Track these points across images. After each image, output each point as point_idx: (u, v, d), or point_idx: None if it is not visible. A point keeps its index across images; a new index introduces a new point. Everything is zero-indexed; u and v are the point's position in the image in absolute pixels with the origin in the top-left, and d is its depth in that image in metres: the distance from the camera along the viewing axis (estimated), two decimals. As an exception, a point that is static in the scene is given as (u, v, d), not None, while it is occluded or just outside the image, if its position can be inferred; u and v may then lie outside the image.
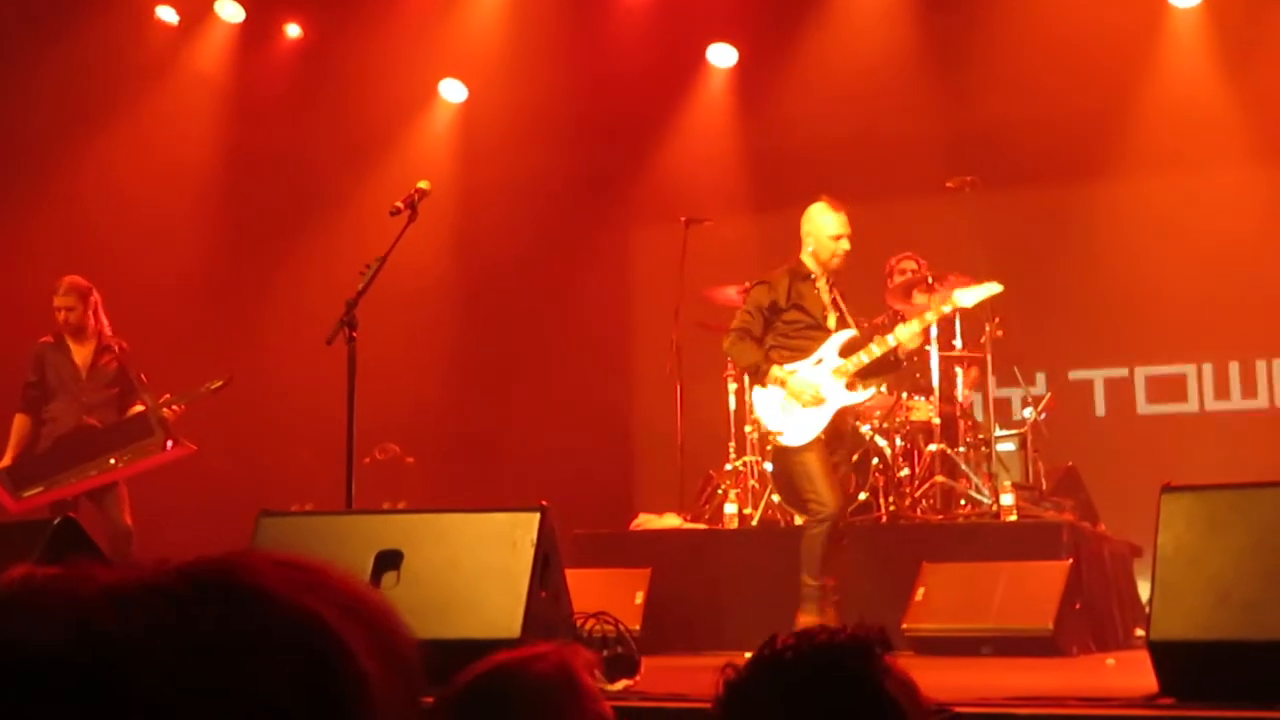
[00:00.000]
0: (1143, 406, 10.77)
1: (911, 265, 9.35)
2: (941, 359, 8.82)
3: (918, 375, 8.82)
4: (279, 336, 10.57)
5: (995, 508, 8.34)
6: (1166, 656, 4.17)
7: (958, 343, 9.07)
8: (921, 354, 8.54)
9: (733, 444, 9.16)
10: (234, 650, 0.92)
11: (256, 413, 10.65)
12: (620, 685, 4.95)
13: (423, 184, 6.59)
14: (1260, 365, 10.63)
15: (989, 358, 8.94)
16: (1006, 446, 9.23)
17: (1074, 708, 4.23)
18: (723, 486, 9.16)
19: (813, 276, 7.40)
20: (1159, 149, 10.53)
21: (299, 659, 0.95)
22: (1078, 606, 7.58)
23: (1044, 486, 9.14)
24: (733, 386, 9.24)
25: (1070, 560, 7.65)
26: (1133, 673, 4.64)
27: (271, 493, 9.37)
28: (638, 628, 7.62)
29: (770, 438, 7.54)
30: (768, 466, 8.72)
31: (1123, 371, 10.95)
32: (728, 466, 9.16)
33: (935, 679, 5.95)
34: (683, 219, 9.73)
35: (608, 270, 12.00)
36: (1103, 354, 10.83)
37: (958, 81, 10.76)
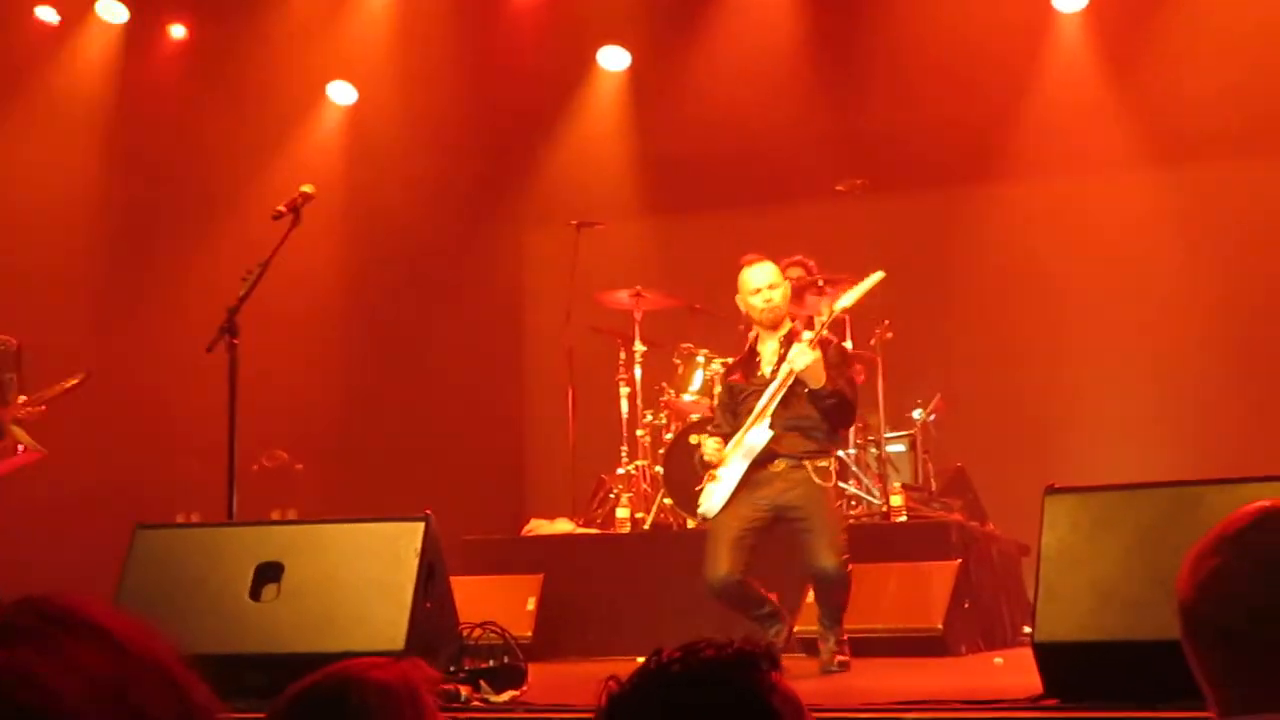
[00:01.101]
0: (1030, 407, 10.86)
1: (797, 272, 9.32)
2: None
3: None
4: (161, 343, 10.35)
5: (885, 508, 8.37)
6: (1051, 657, 4.17)
7: (848, 344, 9.07)
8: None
9: (625, 448, 9.11)
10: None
11: (141, 422, 10.44)
12: (506, 696, 4.87)
13: (306, 188, 6.47)
14: (1146, 365, 10.76)
15: (879, 359, 8.97)
16: (896, 448, 9.27)
17: (960, 711, 4.21)
18: (615, 490, 9.11)
19: (754, 344, 6.91)
20: (1047, 151, 10.63)
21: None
22: (967, 605, 7.62)
23: (933, 487, 9.19)
24: (625, 390, 9.20)
25: (959, 560, 7.69)
26: (1021, 671, 4.64)
27: (155, 504, 9.18)
28: (530, 635, 7.55)
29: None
30: (659, 470, 8.69)
31: (1011, 372, 11.04)
32: (620, 470, 9.11)
33: (825, 681, 5.95)
34: (574, 222, 9.67)
35: (499, 274, 11.91)
36: (992, 355, 10.90)
37: (848, 85, 10.79)
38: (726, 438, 6.77)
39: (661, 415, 8.97)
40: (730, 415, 6.86)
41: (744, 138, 10.96)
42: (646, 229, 11.51)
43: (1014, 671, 5.61)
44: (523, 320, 12.08)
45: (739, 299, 6.84)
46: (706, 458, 6.73)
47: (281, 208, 6.39)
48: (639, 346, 9.13)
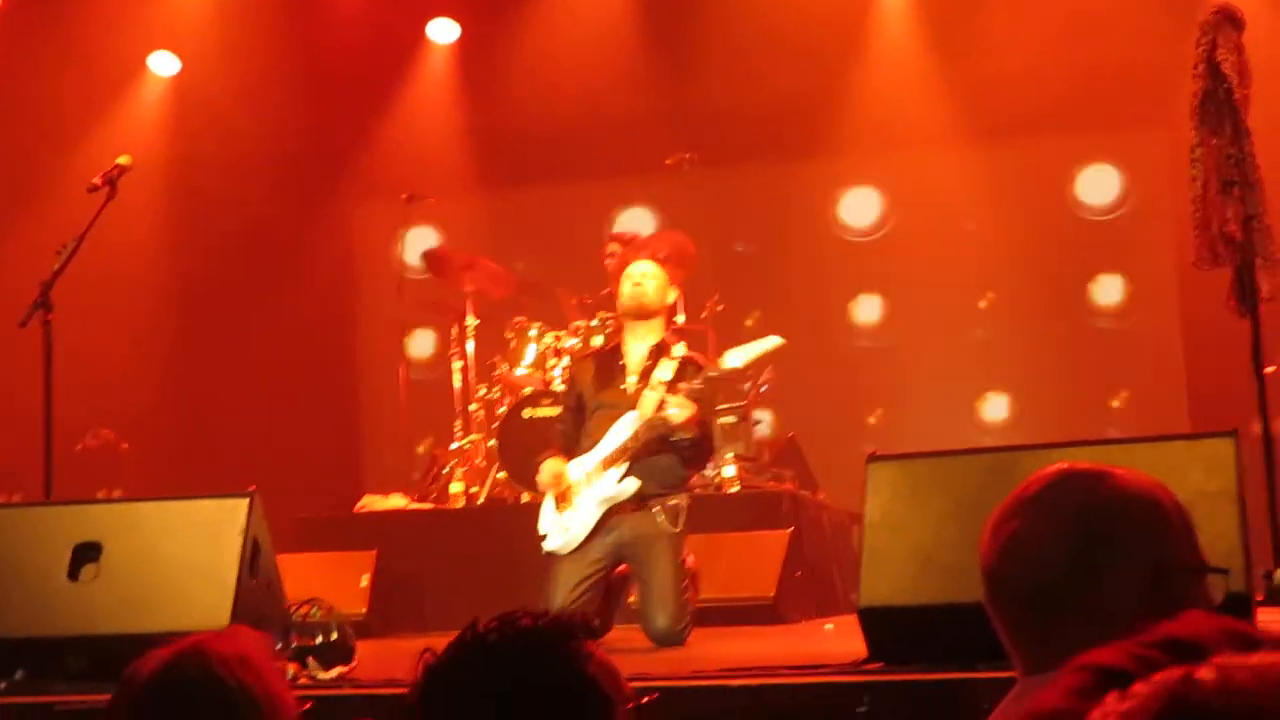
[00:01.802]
0: (861, 377, 11.04)
1: (615, 247, 9.35)
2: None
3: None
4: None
5: (718, 479, 8.43)
6: (874, 622, 4.24)
7: (680, 318, 9.12)
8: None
9: (459, 423, 9.06)
10: None
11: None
12: (334, 673, 4.82)
13: (123, 159, 6.31)
14: (970, 334, 11.01)
15: (710, 332, 9.03)
16: (728, 419, 9.33)
17: (786, 676, 4.27)
18: (449, 466, 9.06)
19: (620, 345, 6.59)
20: (872, 128, 10.79)
21: None
22: (798, 574, 7.72)
23: (765, 458, 9.28)
24: (457, 364, 9.14)
25: (791, 529, 7.78)
26: (850, 638, 4.72)
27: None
28: (364, 611, 7.48)
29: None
30: (493, 444, 8.66)
31: (843, 342, 11.21)
32: (454, 445, 9.06)
33: (654, 652, 5.99)
34: (404, 196, 9.56)
35: (329, 248, 11.73)
36: (820, 326, 11.04)
37: (680, 60, 10.83)
38: (567, 451, 6.45)
39: (495, 389, 8.93)
40: (574, 422, 6.55)
41: (575, 112, 10.94)
42: (478, 202, 11.44)
43: (843, 638, 5.69)
44: (354, 295, 11.94)
45: (619, 287, 6.62)
46: (543, 484, 6.37)
47: (96, 180, 6.23)
48: (470, 321, 9.08)
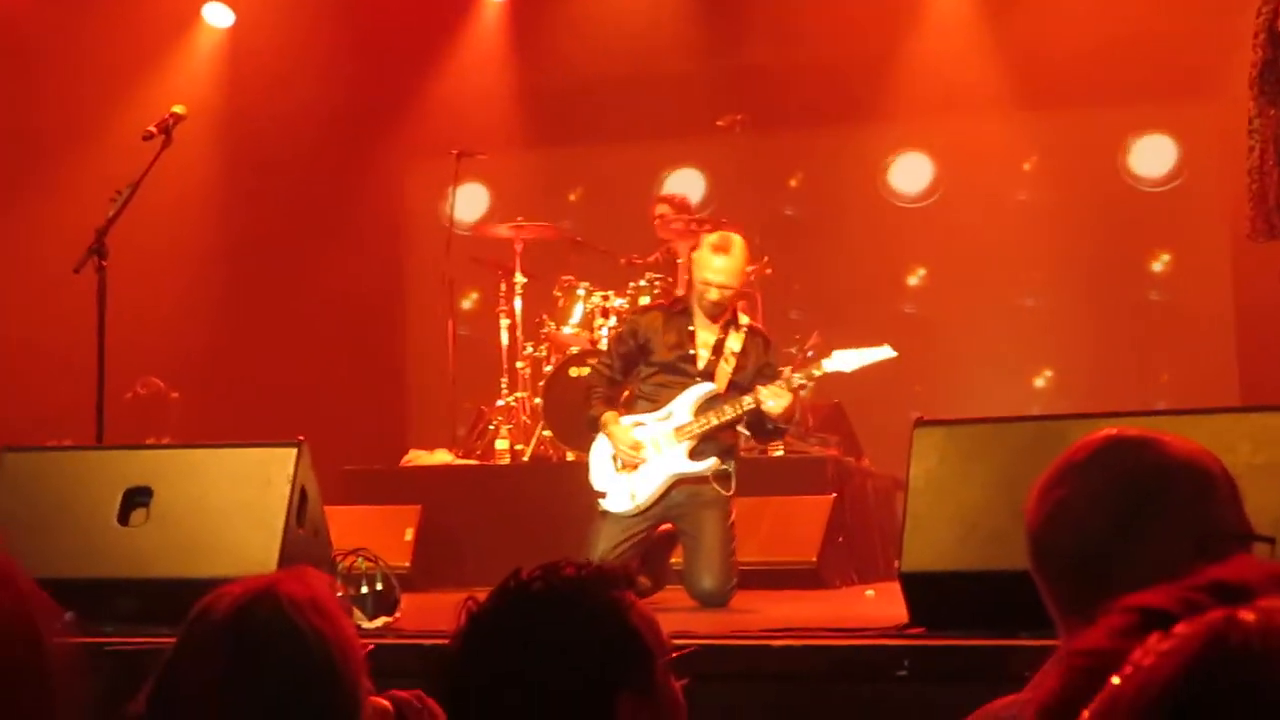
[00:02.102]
0: (908, 343, 10.97)
1: (665, 209, 9.34)
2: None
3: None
4: (28, 266, 10.11)
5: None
6: (916, 587, 4.25)
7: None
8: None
9: (505, 380, 9.09)
10: None
11: (7, 345, 10.22)
12: (380, 622, 4.88)
13: (178, 108, 6.36)
14: (1019, 302, 10.96)
15: (759, 296, 9.02)
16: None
17: (827, 638, 4.29)
18: (494, 422, 9.10)
19: (688, 312, 6.47)
20: (925, 93, 10.72)
21: None
22: (841, 540, 7.73)
23: (810, 423, 9.28)
24: (505, 323, 9.17)
25: (834, 494, 7.79)
26: (891, 603, 4.73)
27: (23, 431, 9.00)
28: (408, 565, 7.54)
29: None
30: (538, 402, 8.70)
31: (889, 308, 11.18)
32: (500, 402, 9.10)
33: (696, 611, 6.02)
34: (455, 152, 9.57)
35: (380, 203, 11.77)
36: (869, 294, 11.01)
37: (730, 21, 10.81)
38: (611, 402, 6.45)
39: (541, 348, 8.96)
40: (623, 370, 6.52)
41: (626, 71, 10.93)
42: (528, 160, 11.45)
43: (885, 603, 5.71)
44: (403, 251, 11.99)
45: (695, 269, 6.43)
46: (624, 454, 6.27)
47: (152, 128, 6.28)
48: (519, 278, 9.10)
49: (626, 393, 6.73)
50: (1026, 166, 10.90)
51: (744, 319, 6.54)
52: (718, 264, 6.31)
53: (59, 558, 4.75)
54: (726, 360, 6.36)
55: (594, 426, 6.46)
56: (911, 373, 10.96)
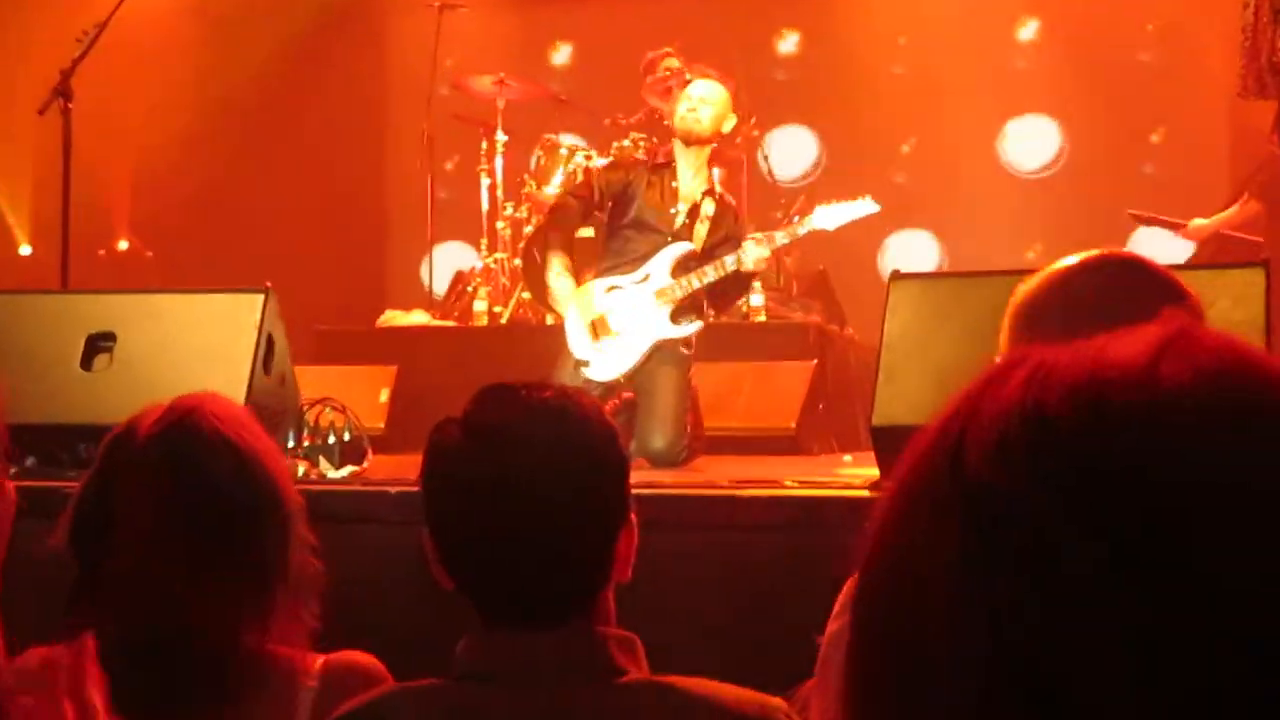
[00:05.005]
0: (904, 196, 10.87)
1: (674, 63, 9.24)
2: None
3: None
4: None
5: (744, 308, 8.44)
6: (887, 440, 4.27)
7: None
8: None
9: (484, 240, 9.06)
10: None
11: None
12: (345, 471, 4.91)
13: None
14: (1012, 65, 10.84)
15: (744, 158, 8.97)
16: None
17: (798, 489, 4.32)
18: (473, 284, 9.09)
19: (672, 169, 6.43)
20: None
21: None
22: (821, 407, 7.76)
23: (794, 289, 9.28)
24: (485, 182, 9.11)
25: (815, 361, 7.81)
26: (869, 470, 4.75)
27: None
28: (382, 426, 7.56)
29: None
30: (518, 263, 8.67)
31: (881, 171, 11.08)
32: (478, 264, 9.08)
33: (680, 473, 6.04)
34: (436, 3, 9.46)
35: (357, 57, 11.61)
36: (860, 151, 10.84)
37: None
38: (566, 248, 6.41)
39: (522, 208, 8.92)
40: (616, 249, 6.42)
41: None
42: (513, 11, 11.30)
43: (861, 469, 5.75)
44: (383, 105, 11.86)
45: (676, 108, 6.46)
46: (602, 330, 6.24)
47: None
48: (500, 136, 9.03)
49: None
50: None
51: (718, 188, 6.51)
52: (697, 90, 6.36)
53: (20, 402, 4.75)
54: (702, 222, 6.35)
55: (558, 300, 6.40)
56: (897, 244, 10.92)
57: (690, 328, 6.26)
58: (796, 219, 9.09)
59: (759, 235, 6.30)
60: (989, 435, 0.77)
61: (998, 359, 0.84)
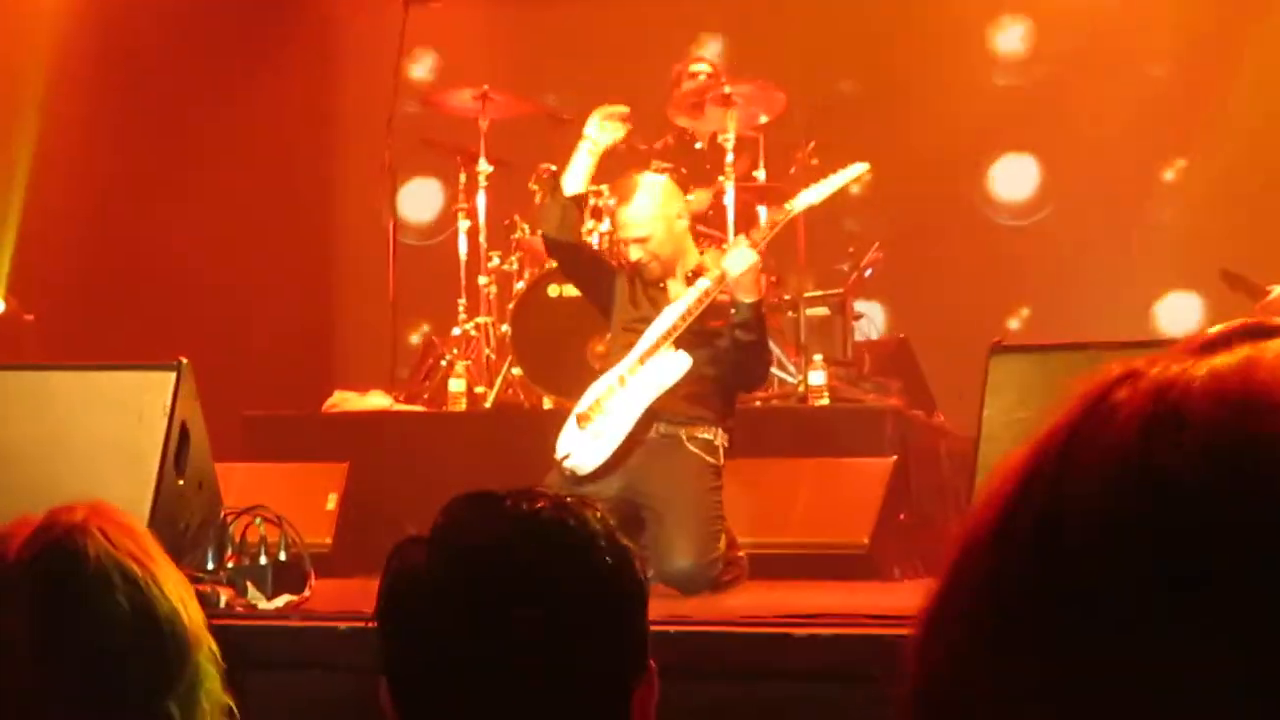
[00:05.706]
0: (1003, 264, 10.97)
1: (706, 69, 9.35)
2: (739, 194, 8.82)
3: (710, 212, 8.76)
4: None
5: (802, 389, 8.47)
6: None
7: (760, 174, 9.12)
8: (719, 207, 8.56)
9: (463, 300, 9.11)
10: None
11: None
12: (281, 601, 4.93)
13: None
14: (1155, 215, 10.95)
15: (760, 140, 9.04)
16: (819, 310, 9.35)
17: (865, 626, 4.33)
18: (448, 357, 9.13)
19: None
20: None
21: None
22: (902, 517, 7.77)
23: (866, 363, 9.31)
24: (464, 224, 9.17)
25: (895, 457, 7.83)
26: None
27: None
28: (329, 542, 7.60)
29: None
30: (506, 330, 8.71)
31: (979, 220, 11.16)
32: (456, 330, 9.13)
33: (702, 599, 6.04)
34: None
35: (303, 65, 11.74)
36: (951, 197, 10.97)
37: None
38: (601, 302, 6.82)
39: (512, 259, 8.97)
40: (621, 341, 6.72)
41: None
42: (497, 12, 11.43)
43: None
44: (333, 127, 11.96)
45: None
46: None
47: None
48: (484, 167, 9.10)
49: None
50: (1160, 35, 10.88)
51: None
52: (621, 216, 6.68)
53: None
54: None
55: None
56: (1007, 302, 10.96)
57: (680, 362, 6.36)
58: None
59: (737, 238, 6.55)
60: (1090, 494, 0.75)
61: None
